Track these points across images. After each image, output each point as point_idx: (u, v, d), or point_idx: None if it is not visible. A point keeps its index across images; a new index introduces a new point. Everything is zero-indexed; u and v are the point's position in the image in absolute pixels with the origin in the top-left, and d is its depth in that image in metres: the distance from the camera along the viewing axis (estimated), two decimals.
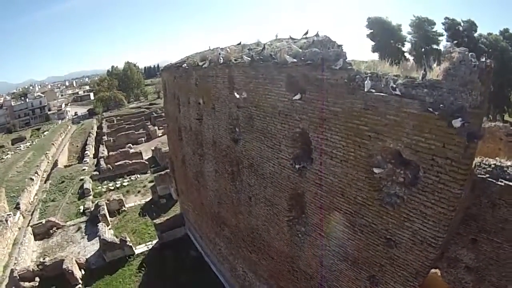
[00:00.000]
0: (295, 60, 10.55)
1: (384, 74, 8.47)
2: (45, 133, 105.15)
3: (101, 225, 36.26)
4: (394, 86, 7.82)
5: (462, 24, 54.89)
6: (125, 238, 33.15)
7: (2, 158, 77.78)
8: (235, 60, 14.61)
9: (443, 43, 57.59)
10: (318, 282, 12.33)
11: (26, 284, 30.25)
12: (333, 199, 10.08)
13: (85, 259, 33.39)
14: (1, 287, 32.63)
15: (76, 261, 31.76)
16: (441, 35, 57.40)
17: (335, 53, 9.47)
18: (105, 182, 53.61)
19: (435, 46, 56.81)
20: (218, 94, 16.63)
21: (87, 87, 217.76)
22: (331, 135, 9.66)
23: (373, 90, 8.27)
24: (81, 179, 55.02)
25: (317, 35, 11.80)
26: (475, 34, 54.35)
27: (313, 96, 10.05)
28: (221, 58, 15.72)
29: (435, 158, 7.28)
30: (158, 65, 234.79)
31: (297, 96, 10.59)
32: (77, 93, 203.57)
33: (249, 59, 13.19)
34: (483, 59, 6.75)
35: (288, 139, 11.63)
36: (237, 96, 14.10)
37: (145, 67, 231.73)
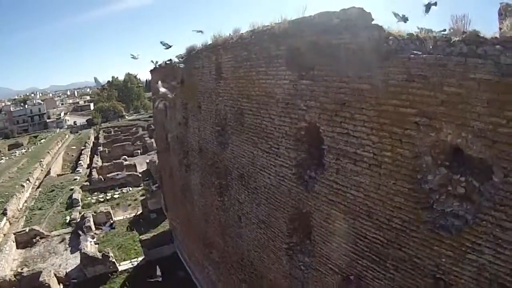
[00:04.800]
0: (299, 26, 7.47)
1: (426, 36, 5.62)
2: (42, 140, 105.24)
3: (83, 237, 35.46)
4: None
5: None
6: (108, 253, 31.73)
7: None
8: (223, 42, 11.63)
9: None
10: None
11: None
12: (355, 222, 6.92)
13: (65, 273, 31.98)
14: None
15: (55, 275, 30.27)
16: None
17: (356, 11, 6.38)
18: (96, 193, 52.71)
19: None
20: (204, 89, 13.79)
21: (88, 97, 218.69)
22: (355, 127, 6.58)
23: (419, 52, 5.32)
24: (71, 189, 54.30)
25: None
26: None
27: (326, 72, 7.00)
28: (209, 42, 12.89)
29: None
30: None
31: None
32: (78, 102, 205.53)
33: (239, 38, 10.24)
34: None
35: (289, 139, 8.49)
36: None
37: (146, 80, 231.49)
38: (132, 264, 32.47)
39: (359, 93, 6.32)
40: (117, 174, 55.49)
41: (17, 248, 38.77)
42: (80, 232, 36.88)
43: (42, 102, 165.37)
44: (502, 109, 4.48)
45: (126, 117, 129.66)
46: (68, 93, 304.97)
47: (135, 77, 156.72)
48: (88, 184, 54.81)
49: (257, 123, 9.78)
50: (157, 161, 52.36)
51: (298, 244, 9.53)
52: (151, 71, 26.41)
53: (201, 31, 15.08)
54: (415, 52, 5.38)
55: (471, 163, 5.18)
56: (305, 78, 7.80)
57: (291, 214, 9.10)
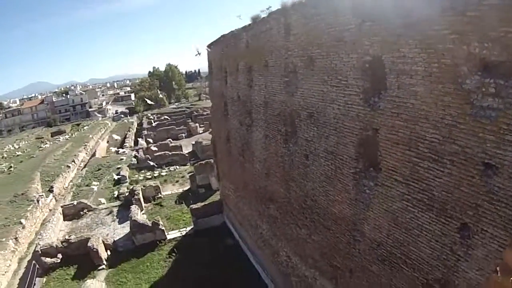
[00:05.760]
0: None
1: None
2: (85, 127, 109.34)
3: (134, 207, 36.47)
4: None
5: None
6: (158, 221, 33.01)
7: (41, 147, 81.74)
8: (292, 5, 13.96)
9: None
10: (388, 250, 10.80)
11: (48, 259, 30.77)
12: (415, 127, 8.85)
13: (112, 241, 33.69)
14: (24, 262, 33.94)
15: (103, 241, 32.07)
16: None
17: None
18: (143, 171, 54.47)
19: None
20: (272, 48, 16.02)
21: (128, 88, 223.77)
22: (409, 50, 8.62)
23: None
24: (118, 168, 56.44)
25: None
26: None
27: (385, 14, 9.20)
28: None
29: None
30: (199, 70, 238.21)
31: None
32: (118, 93, 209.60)
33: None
34: None
35: (357, 71, 10.59)
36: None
37: (186, 71, 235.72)
38: (181, 233, 33.67)
39: (409, 26, 8.42)
40: (164, 153, 56.93)
41: (64, 220, 40.69)
42: (133, 202, 38.26)
43: (84, 93, 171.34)
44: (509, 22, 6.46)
45: (168, 105, 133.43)
46: (108, 85, 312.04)
47: (176, 67, 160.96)
48: (136, 162, 56.75)
49: (327, 64, 11.87)
50: (203, 142, 55.30)
51: (363, 171, 11.44)
52: (209, 45, 28.72)
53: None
54: None
55: (496, 70, 7.02)
56: (368, 21, 9.90)
57: (358, 139, 11.08)
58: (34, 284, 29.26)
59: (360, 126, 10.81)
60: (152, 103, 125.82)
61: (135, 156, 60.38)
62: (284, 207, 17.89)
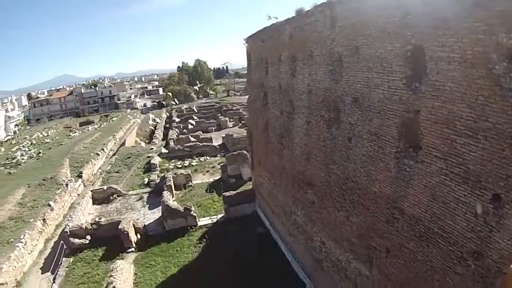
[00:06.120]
0: None
1: None
2: (113, 118, 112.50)
3: (166, 193, 37.17)
4: None
5: None
6: (190, 207, 33.68)
7: (70, 135, 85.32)
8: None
9: None
10: (425, 226, 11.97)
11: (76, 240, 31.75)
12: (453, 107, 10.25)
13: (143, 225, 34.47)
14: (50, 243, 35.10)
15: (133, 225, 32.85)
16: None
17: None
18: (173, 160, 55.38)
19: None
20: (317, 38, 17.48)
21: (156, 83, 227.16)
22: (446, 40, 10.04)
23: None
24: (148, 156, 57.71)
25: None
26: None
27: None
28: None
29: None
30: (227, 67, 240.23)
31: None
32: (146, 87, 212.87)
33: None
34: None
35: (400, 58, 12.04)
36: None
37: (214, 68, 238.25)
38: (212, 220, 34.41)
39: (447, 19, 9.92)
40: (195, 144, 58.24)
41: (93, 204, 41.91)
42: (164, 188, 39.18)
43: (113, 85, 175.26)
44: None
45: (197, 100, 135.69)
46: (135, 79, 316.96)
47: (205, 63, 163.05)
48: (166, 152, 57.91)
49: (371, 53, 13.37)
50: (234, 135, 56.87)
51: (403, 150, 12.78)
52: (247, 38, 30.30)
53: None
54: None
55: None
56: (411, 14, 11.37)
57: (401, 120, 12.49)
58: (61, 263, 30.48)
59: (403, 108, 12.24)
60: (176, 102, 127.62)
61: (165, 146, 61.82)
62: (323, 190, 19.20)
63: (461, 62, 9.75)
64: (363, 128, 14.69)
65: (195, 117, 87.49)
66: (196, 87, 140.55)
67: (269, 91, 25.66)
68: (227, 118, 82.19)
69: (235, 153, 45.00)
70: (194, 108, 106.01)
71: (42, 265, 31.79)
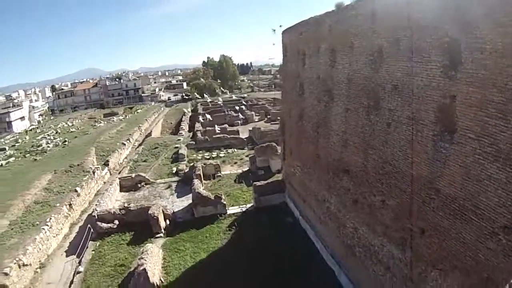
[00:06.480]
0: None
1: None
2: (138, 110, 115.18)
3: (196, 181, 38.45)
4: None
5: None
6: (221, 195, 34.78)
7: (95, 126, 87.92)
8: None
9: None
10: (461, 204, 13.01)
11: (104, 224, 32.87)
12: (485, 92, 11.66)
13: (172, 212, 35.77)
14: (75, 228, 36.48)
15: (163, 211, 33.94)
16: None
17: None
18: (201, 151, 56.98)
19: None
20: (357, 31, 19.08)
21: (180, 78, 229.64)
22: (480, 32, 11.48)
23: None
24: (176, 147, 59.08)
25: None
26: None
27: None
28: None
29: None
30: (251, 63, 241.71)
31: None
32: (170, 81, 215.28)
33: None
34: None
35: (437, 49, 13.55)
36: None
37: (238, 64, 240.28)
38: (241, 209, 35.46)
39: (479, 15, 11.43)
40: (223, 136, 59.71)
41: (121, 191, 43.33)
42: (194, 177, 40.39)
43: (138, 78, 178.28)
44: None
45: (222, 95, 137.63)
46: (159, 73, 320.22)
47: (230, 58, 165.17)
48: (194, 143, 59.51)
49: (411, 44, 14.97)
50: (261, 128, 58.44)
51: (439, 134, 14.10)
52: (284, 32, 31.99)
53: None
54: None
55: None
56: (448, 9, 12.92)
57: (438, 105, 13.92)
58: (87, 247, 31.32)
59: (440, 94, 13.73)
60: (203, 95, 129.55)
61: (192, 137, 63.60)
62: (360, 176, 20.42)
63: (492, 52, 11.14)
64: (402, 113, 16.09)
65: (224, 110, 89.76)
66: (217, 85, 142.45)
67: (305, 81, 27.21)
68: (253, 113, 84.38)
69: (264, 145, 46.19)
70: (220, 102, 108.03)
71: (67, 248, 32.94)
